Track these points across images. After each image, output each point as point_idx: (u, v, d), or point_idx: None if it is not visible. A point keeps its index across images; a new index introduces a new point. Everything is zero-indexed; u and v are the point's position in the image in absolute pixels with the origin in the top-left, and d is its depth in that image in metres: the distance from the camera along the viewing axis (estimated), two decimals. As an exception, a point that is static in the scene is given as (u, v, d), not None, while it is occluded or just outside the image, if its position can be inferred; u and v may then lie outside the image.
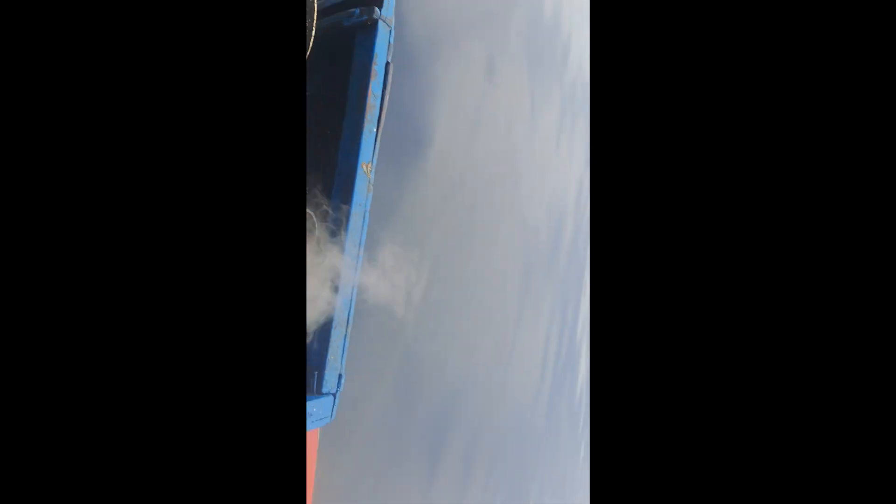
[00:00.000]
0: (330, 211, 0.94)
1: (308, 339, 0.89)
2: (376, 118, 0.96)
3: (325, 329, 0.89)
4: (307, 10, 0.96)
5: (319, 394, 0.88)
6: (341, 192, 0.94)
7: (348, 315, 0.92)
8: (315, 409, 0.85)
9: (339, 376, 0.92)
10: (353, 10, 0.98)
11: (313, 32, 0.97)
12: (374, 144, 0.97)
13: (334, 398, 0.91)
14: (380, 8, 0.95)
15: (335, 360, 0.91)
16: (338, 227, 0.92)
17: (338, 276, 0.90)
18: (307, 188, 1.00)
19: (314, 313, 0.91)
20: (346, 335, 0.92)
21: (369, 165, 0.95)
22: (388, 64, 0.97)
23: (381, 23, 0.96)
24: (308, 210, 0.90)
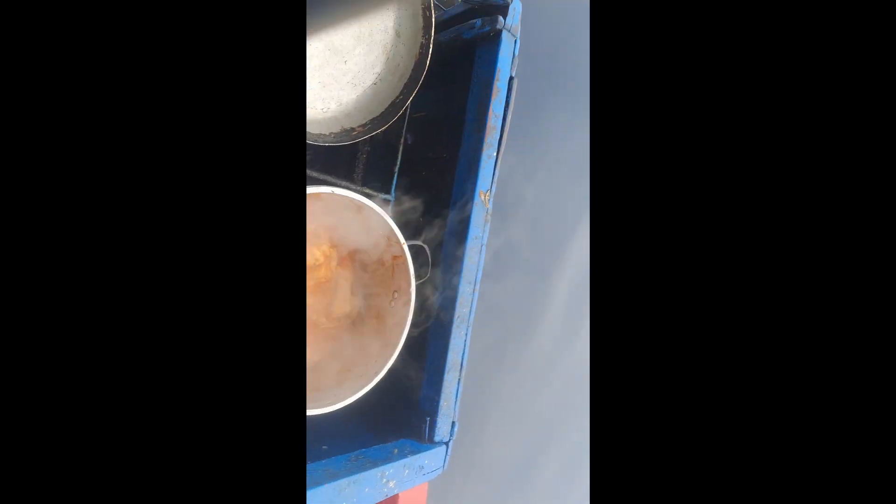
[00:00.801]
0: (444, 244, 0.87)
1: (419, 384, 0.83)
2: (497, 141, 0.87)
3: (438, 373, 0.83)
4: (425, 24, 0.89)
5: (431, 442, 0.83)
6: (456, 223, 0.87)
7: (462, 357, 0.85)
8: (427, 461, 0.80)
9: (453, 424, 0.85)
10: (474, 20, 0.89)
11: (430, 49, 0.90)
12: (494, 171, 0.88)
13: (447, 447, 0.84)
14: (504, 17, 0.86)
15: (448, 407, 0.84)
16: (452, 261, 0.85)
17: (451, 315, 0.83)
18: (419, 218, 0.94)
19: (425, 355, 0.85)
20: (459, 379, 0.85)
21: (487, 194, 0.87)
22: (511, 79, 0.87)
23: (505, 33, 0.86)
24: (421, 243, 0.84)
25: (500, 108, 0.87)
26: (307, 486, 0.62)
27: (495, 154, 0.87)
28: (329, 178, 0.80)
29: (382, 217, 0.79)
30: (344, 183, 0.81)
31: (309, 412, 0.69)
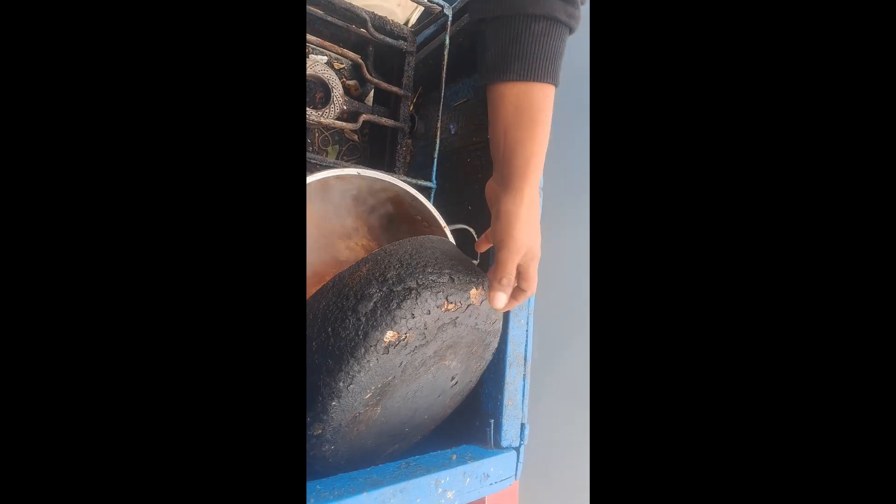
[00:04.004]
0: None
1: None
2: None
3: (498, 368, 0.73)
4: None
5: (498, 448, 0.72)
6: (504, 200, 0.78)
7: (525, 349, 0.75)
8: (493, 468, 0.69)
9: (522, 426, 0.74)
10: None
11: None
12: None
13: (517, 453, 0.73)
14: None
15: (514, 407, 0.73)
16: (503, 242, 0.76)
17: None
18: (469, 206, 0.87)
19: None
20: (525, 375, 0.75)
21: (535, 164, 0.78)
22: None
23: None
24: (465, 226, 0.77)
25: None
26: (344, 496, 0.55)
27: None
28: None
29: (420, 201, 0.74)
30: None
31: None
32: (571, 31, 0.53)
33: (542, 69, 0.51)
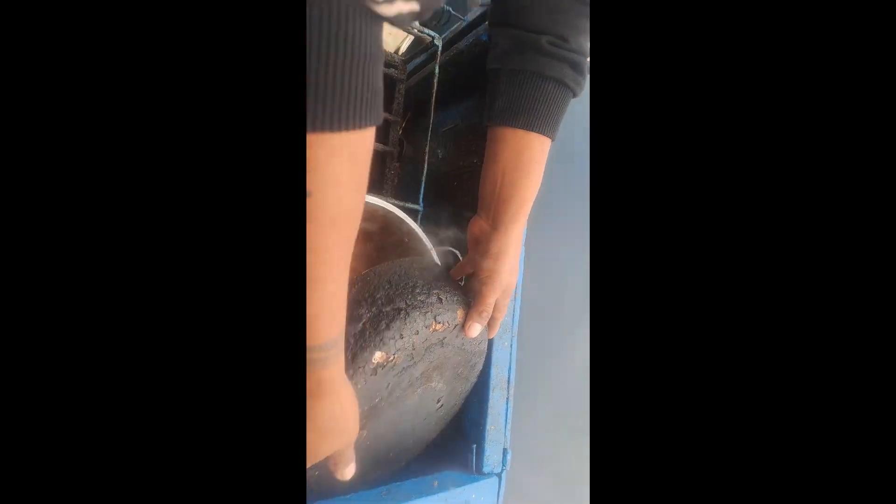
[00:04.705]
0: (479, 248, 0.80)
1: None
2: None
3: (482, 392, 0.73)
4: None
5: (480, 473, 0.72)
6: (490, 225, 0.79)
7: (509, 372, 0.75)
8: (474, 495, 0.68)
9: (504, 451, 0.74)
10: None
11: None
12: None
13: (499, 479, 0.73)
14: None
15: (497, 431, 0.73)
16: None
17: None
18: (455, 228, 0.88)
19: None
20: (508, 398, 0.75)
21: (521, 190, 0.80)
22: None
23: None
24: (450, 248, 0.78)
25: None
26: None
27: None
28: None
29: (408, 223, 0.75)
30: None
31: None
32: (575, 95, 0.59)
33: (545, 124, 0.57)
